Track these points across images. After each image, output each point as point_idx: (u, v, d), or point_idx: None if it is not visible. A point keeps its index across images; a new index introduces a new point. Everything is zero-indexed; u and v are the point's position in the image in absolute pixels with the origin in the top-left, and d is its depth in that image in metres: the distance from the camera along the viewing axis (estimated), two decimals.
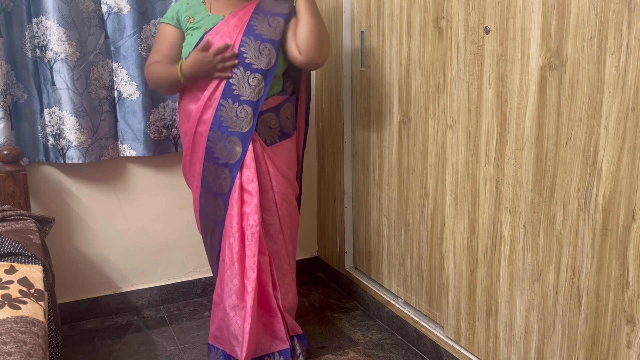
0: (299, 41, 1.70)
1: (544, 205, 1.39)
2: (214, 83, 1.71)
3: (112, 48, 2.10)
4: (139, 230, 2.31)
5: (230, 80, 1.69)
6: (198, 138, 1.75)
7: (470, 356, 1.72)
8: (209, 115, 1.72)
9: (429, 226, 1.88)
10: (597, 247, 1.26)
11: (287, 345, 1.81)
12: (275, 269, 1.83)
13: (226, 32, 1.71)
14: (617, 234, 1.22)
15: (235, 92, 1.70)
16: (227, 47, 1.67)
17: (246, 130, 1.72)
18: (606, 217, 1.24)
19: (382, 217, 2.16)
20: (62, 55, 1.98)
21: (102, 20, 2.07)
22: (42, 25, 1.96)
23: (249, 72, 1.70)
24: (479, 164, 1.59)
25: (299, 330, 1.92)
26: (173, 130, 2.24)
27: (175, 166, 2.33)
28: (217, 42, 1.70)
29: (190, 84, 1.75)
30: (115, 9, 2.06)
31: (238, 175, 1.72)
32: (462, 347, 1.76)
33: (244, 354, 1.71)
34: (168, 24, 1.81)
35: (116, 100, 2.14)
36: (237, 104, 1.71)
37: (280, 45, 1.74)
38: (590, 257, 1.28)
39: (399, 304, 2.09)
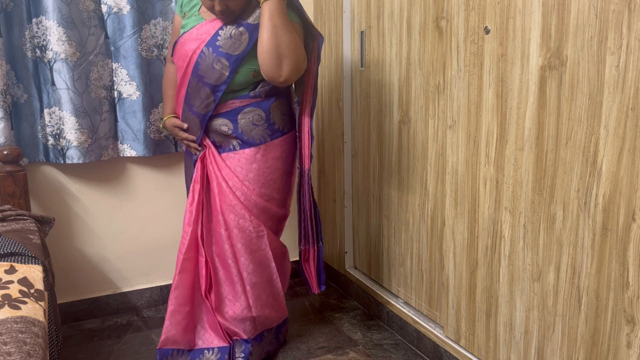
0: (259, 58, 1.61)
1: (544, 205, 1.39)
2: (179, 87, 1.77)
3: (112, 48, 2.10)
4: (139, 230, 2.31)
5: (188, 89, 1.73)
6: None
7: (470, 356, 1.72)
8: (179, 111, 1.83)
9: (429, 226, 1.88)
10: (597, 247, 1.26)
11: (226, 343, 1.85)
12: (224, 276, 1.81)
13: (193, 39, 1.68)
14: (617, 234, 1.22)
15: (190, 101, 1.74)
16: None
17: (197, 136, 1.78)
18: (606, 217, 1.24)
19: (382, 217, 2.16)
20: (62, 55, 1.98)
21: (102, 20, 2.07)
22: (42, 25, 1.96)
23: (200, 84, 1.68)
24: (479, 164, 1.59)
25: (243, 336, 1.86)
26: None
27: (175, 166, 2.33)
28: (187, 46, 1.69)
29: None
30: (115, 9, 2.06)
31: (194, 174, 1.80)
32: (462, 347, 1.76)
33: (160, 339, 1.83)
34: (176, 13, 1.85)
35: (116, 100, 2.14)
36: (191, 112, 1.76)
37: (242, 58, 1.65)
38: (590, 257, 1.28)
39: (399, 304, 2.09)
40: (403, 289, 2.08)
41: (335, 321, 2.24)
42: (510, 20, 1.42)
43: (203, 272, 1.81)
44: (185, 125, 1.78)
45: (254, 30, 1.63)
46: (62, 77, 1.99)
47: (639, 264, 1.18)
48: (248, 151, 1.74)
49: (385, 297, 2.16)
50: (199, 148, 1.78)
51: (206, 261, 1.81)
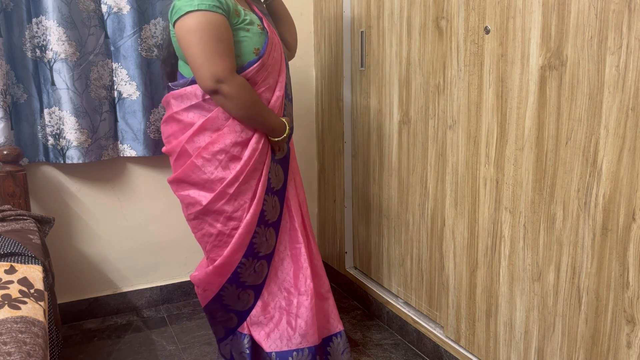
0: (289, 38, 1.89)
1: (544, 205, 1.39)
2: (280, 86, 1.67)
3: (112, 48, 2.10)
4: (139, 230, 2.31)
5: (286, 80, 1.73)
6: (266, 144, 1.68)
7: (470, 356, 1.72)
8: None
9: (429, 226, 1.88)
10: (597, 247, 1.26)
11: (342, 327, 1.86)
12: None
13: (272, 30, 1.67)
14: (617, 234, 1.22)
15: (287, 91, 1.74)
16: None
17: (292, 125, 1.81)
18: (606, 217, 1.24)
19: (382, 217, 2.16)
20: (62, 55, 1.98)
21: (102, 20, 2.07)
22: (42, 25, 1.96)
23: (287, 70, 1.76)
24: (479, 164, 1.59)
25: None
26: None
27: None
28: (276, 39, 1.66)
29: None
30: (115, 9, 2.06)
31: (290, 161, 1.79)
32: (462, 347, 1.76)
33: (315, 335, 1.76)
34: (219, 13, 1.50)
35: (116, 100, 2.14)
36: (288, 100, 1.75)
37: None
38: (590, 257, 1.28)
39: (399, 304, 2.09)
40: (403, 289, 2.08)
41: None
42: (510, 20, 1.42)
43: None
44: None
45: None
46: (62, 77, 1.99)
47: (639, 264, 1.18)
48: None
49: (385, 297, 2.16)
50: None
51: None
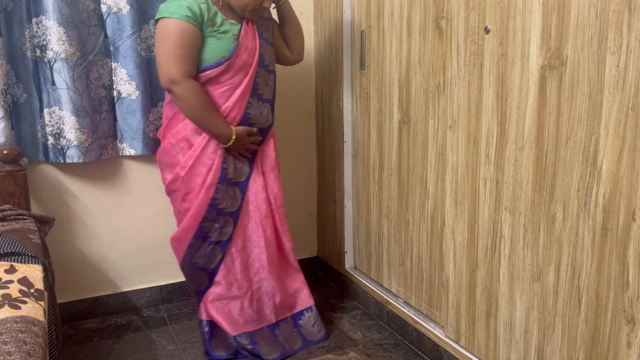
0: (293, 42, 2.00)
1: (544, 205, 1.39)
2: (243, 84, 1.81)
3: (111, 48, 2.10)
4: (139, 229, 2.31)
5: (256, 80, 1.85)
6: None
7: (470, 356, 1.72)
8: (235, 113, 1.82)
9: (429, 226, 1.88)
10: (597, 247, 1.27)
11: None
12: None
13: (250, 37, 1.82)
14: (617, 234, 1.22)
15: (259, 92, 1.87)
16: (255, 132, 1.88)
17: (267, 125, 1.92)
18: (606, 217, 1.24)
19: (382, 217, 2.16)
20: (62, 55, 1.98)
21: (102, 20, 2.07)
22: (42, 25, 1.96)
23: (267, 72, 1.90)
24: (479, 164, 1.59)
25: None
26: None
27: None
28: (251, 44, 1.82)
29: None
30: (114, 9, 2.06)
31: (258, 157, 1.93)
32: (462, 346, 1.76)
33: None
34: (189, 22, 1.68)
35: (115, 99, 2.14)
36: (260, 102, 1.88)
37: None
38: (590, 257, 1.28)
39: (399, 303, 2.09)
40: (403, 288, 2.09)
41: (335, 321, 2.24)
42: (511, 20, 1.42)
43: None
44: (255, 129, 1.87)
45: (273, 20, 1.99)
46: (62, 77, 1.99)
47: (639, 264, 1.18)
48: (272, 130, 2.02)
49: (385, 296, 2.16)
50: (257, 147, 1.90)
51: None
